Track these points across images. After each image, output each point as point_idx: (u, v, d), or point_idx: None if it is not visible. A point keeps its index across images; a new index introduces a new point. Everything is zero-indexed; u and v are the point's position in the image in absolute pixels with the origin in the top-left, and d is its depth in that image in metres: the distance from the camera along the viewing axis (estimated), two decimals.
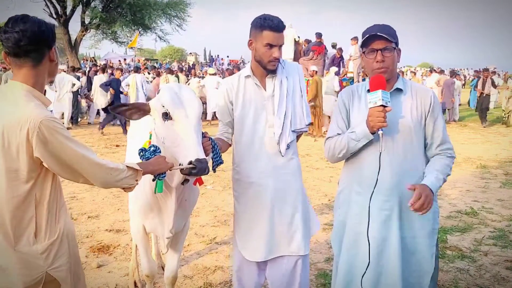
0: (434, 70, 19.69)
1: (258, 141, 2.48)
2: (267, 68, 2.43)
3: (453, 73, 16.65)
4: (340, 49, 13.99)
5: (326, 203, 5.60)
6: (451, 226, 4.75)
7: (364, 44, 2.14)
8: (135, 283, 3.44)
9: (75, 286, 1.88)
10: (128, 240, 4.22)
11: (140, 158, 2.11)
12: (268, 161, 2.47)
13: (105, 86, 11.51)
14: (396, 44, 2.13)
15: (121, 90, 13.02)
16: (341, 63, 13.96)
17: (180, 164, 2.03)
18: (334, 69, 12.26)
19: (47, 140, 1.60)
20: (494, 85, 14.04)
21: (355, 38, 13.06)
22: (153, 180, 2.13)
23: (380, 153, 2.04)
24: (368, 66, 2.16)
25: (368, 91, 2.09)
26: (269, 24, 2.33)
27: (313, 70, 11.58)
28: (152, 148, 2.12)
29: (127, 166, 1.84)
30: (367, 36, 2.11)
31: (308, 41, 13.64)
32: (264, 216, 2.48)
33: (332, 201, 5.70)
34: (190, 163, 1.96)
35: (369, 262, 2.08)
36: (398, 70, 2.28)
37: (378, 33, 2.07)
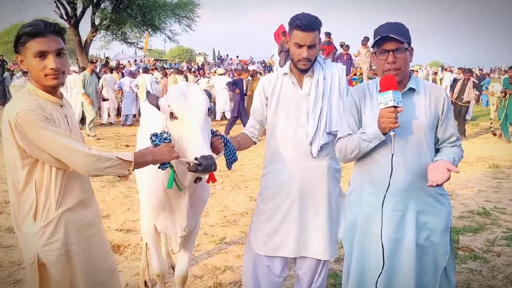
0: (445, 69, 19.55)
1: (289, 140, 2.47)
2: (297, 67, 2.42)
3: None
4: (347, 46, 13.88)
5: None
6: (463, 226, 4.70)
7: (375, 44, 2.11)
8: (145, 282, 3.45)
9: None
10: (139, 240, 4.23)
11: (151, 142, 2.09)
12: (297, 161, 2.46)
13: (231, 85, 11.53)
14: (409, 43, 2.09)
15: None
16: (350, 62, 13.82)
17: (187, 163, 2.04)
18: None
19: (25, 131, 1.72)
20: (478, 88, 12.64)
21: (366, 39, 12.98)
22: (159, 167, 2.13)
23: (392, 155, 2.01)
24: (379, 67, 2.13)
25: (379, 91, 2.07)
26: (297, 23, 2.32)
27: (253, 70, 10.77)
28: (165, 135, 2.10)
29: (117, 156, 1.82)
30: (378, 37, 2.07)
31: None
32: (288, 214, 2.48)
33: None
34: (196, 159, 1.96)
35: (383, 264, 2.06)
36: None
37: (390, 35, 2.04)
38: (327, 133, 2.45)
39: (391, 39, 2.04)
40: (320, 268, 2.60)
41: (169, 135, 2.13)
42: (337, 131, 2.44)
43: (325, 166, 2.48)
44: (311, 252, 2.51)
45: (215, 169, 2.00)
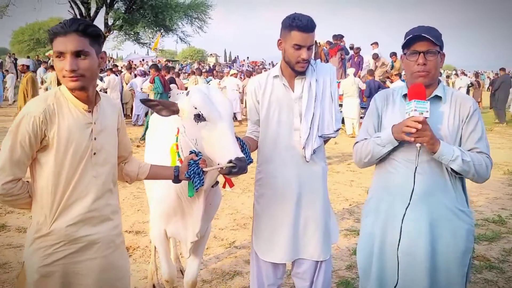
0: (457, 74, 19.38)
1: (282, 143, 2.43)
2: (295, 70, 2.36)
3: None
4: (358, 48, 13.76)
5: (347, 208, 5.49)
6: (478, 234, 4.59)
7: (406, 45, 2.03)
8: (153, 286, 3.42)
9: None
10: (148, 242, 4.20)
11: (188, 175, 2.07)
12: (291, 165, 2.42)
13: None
14: (441, 48, 2.01)
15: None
16: (360, 64, 13.66)
17: (218, 164, 2.02)
18: (352, 70, 11.94)
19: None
20: None
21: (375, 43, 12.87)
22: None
23: (416, 167, 1.95)
24: (408, 69, 2.05)
25: (405, 96, 2.00)
26: (297, 24, 2.26)
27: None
28: (192, 161, 2.08)
29: None
30: (410, 36, 1.99)
31: (329, 43, 13.50)
32: (286, 219, 2.45)
33: (353, 206, 5.60)
34: (230, 162, 1.95)
35: (397, 281, 1.99)
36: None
37: (422, 34, 1.96)
38: (319, 136, 2.41)
39: (423, 40, 1.97)
40: (318, 268, 2.54)
41: (200, 153, 2.10)
42: (329, 134, 2.43)
43: (319, 169, 2.47)
44: (309, 255, 2.49)
45: (246, 171, 2.00)
